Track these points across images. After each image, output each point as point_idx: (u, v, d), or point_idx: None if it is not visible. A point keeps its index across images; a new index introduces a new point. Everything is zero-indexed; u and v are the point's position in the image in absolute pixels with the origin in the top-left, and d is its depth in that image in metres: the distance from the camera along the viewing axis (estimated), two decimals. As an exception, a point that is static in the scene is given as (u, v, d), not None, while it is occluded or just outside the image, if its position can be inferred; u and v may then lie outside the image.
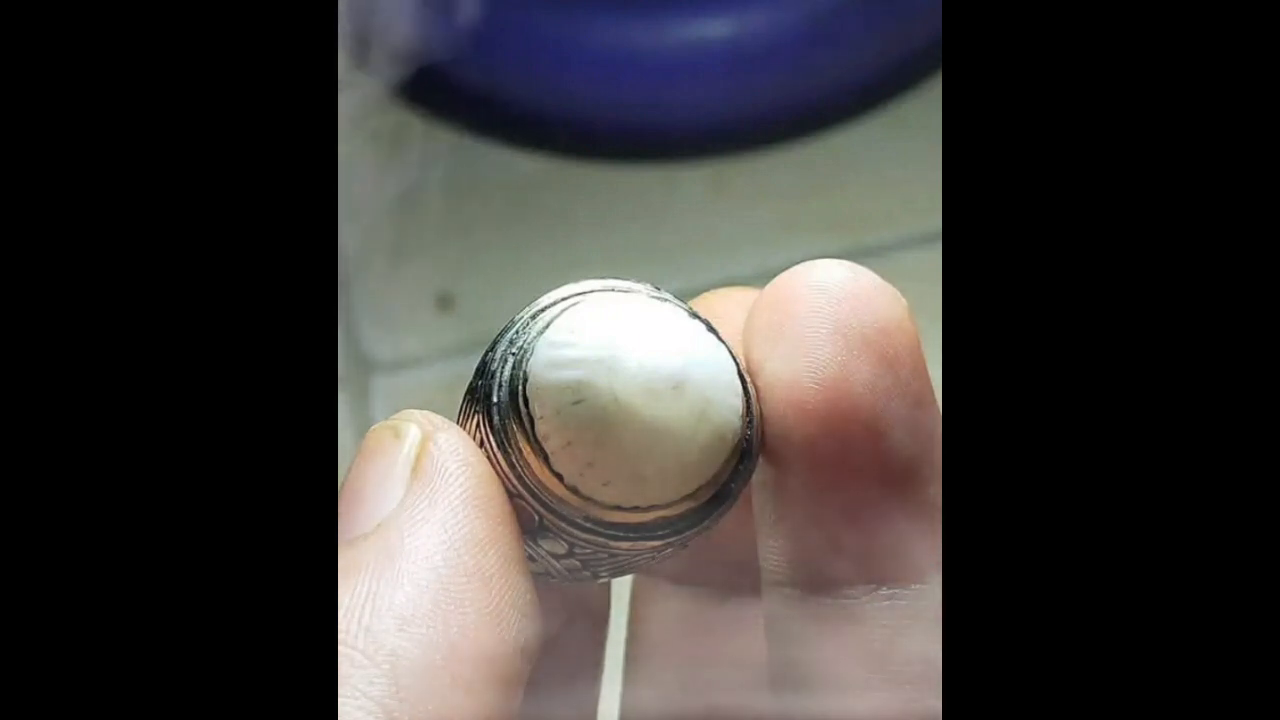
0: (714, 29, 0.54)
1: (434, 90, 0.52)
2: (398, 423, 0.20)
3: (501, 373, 0.20)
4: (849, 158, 0.55)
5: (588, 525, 0.19)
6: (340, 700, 0.17)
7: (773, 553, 0.20)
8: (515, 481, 0.19)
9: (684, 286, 0.24)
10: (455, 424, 0.20)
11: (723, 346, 0.20)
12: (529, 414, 0.19)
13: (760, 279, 0.20)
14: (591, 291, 0.20)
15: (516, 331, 0.20)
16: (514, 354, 0.20)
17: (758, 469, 0.20)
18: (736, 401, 0.19)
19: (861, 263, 0.20)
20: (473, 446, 0.19)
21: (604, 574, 0.21)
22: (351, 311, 0.52)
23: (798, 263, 0.20)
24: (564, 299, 0.20)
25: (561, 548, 0.20)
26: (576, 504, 0.19)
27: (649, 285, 0.20)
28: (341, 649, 0.17)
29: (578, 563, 0.20)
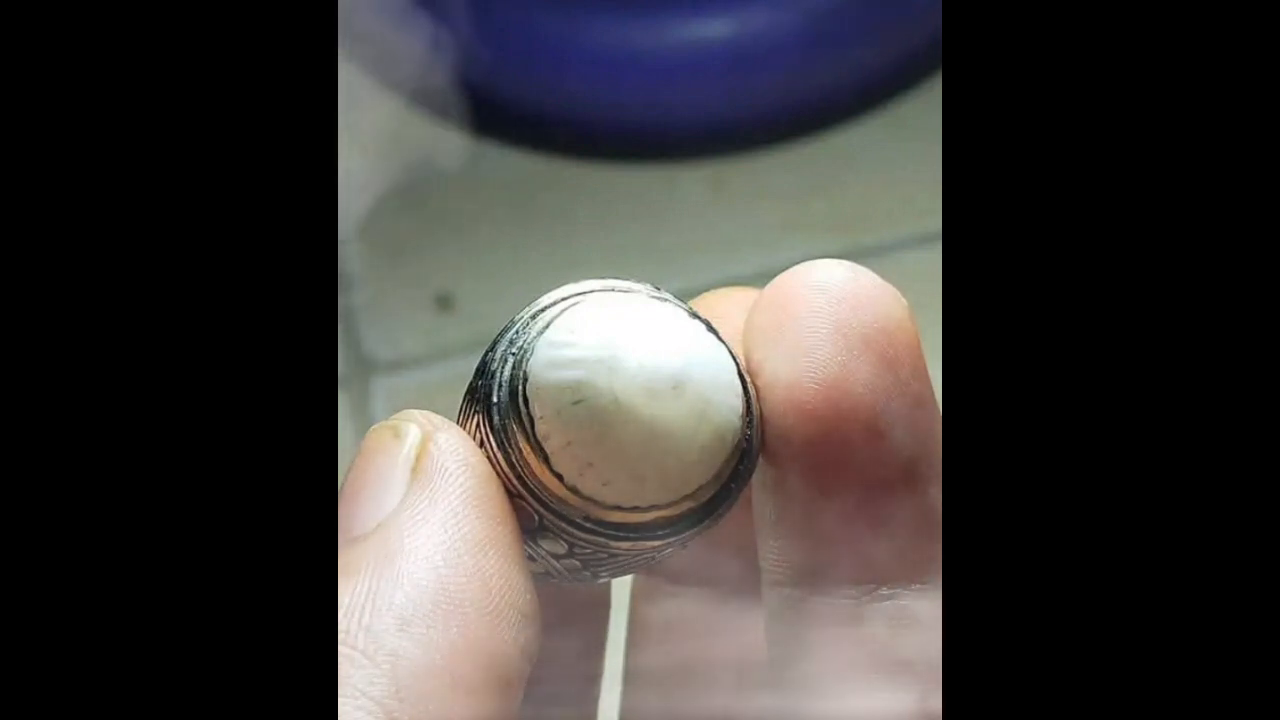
0: (714, 29, 0.54)
1: (435, 90, 0.52)
2: (398, 423, 0.20)
3: (501, 373, 0.20)
4: (849, 158, 0.55)
5: (588, 525, 0.19)
6: (340, 700, 0.17)
7: (773, 553, 0.20)
8: (515, 481, 0.19)
9: (684, 286, 0.24)
10: (455, 424, 0.20)
11: (723, 346, 0.20)
12: (529, 414, 0.19)
13: (760, 279, 0.20)
14: (591, 291, 0.20)
15: (516, 331, 0.20)
16: (514, 354, 0.20)
17: (758, 469, 0.20)
18: (736, 401, 0.19)
19: (861, 263, 0.20)
20: (473, 446, 0.19)
21: (604, 574, 0.21)
22: (351, 311, 0.52)
23: (798, 263, 0.20)
24: (564, 299, 0.20)
25: (561, 548, 0.20)
26: (576, 504, 0.19)
27: (649, 285, 0.20)
28: (341, 649, 0.17)
29: (578, 563, 0.20)
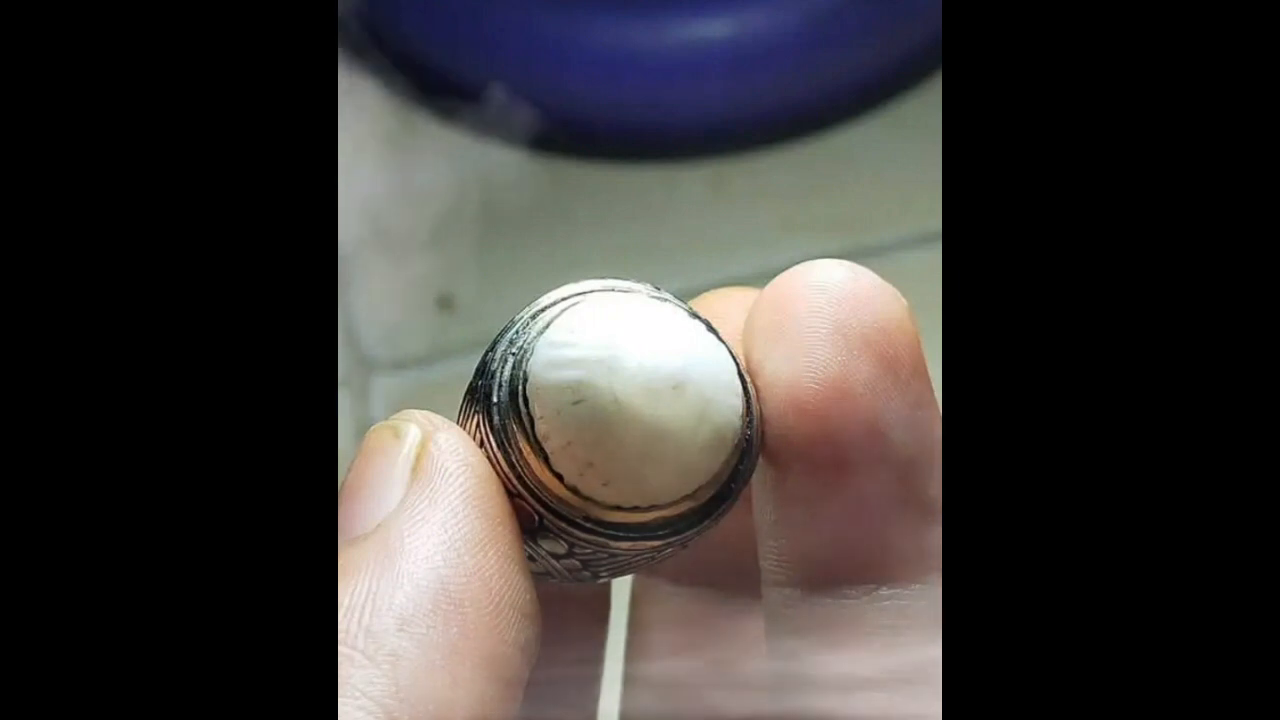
0: (714, 29, 0.54)
1: (434, 90, 0.52)
2: (398, 423, 0.20)
3: (501, 373, 0.20)
4: (849, 158, 0.55)
5: (588, 525, 0.19)
6: (340, 700, 0.17)
7: (773, 553, 0.20)
8: (515, 481, 0.19)
9: (684, 286, 0.24)
10: (455, 424, 0.20)
11: (723, 346, 0.20)
12: (529, 414, 0.19)
13: (760, 279, 0.20)
14: (591, 291, 0.20)
15: (516, 331, 0.20)
16: (514, 354, 0.20)
17: (758, 469, 0.20)
18: (736, 401, 0.19)
19: (861, 263, 0.20)
20: (473, 446, 0.19)
21: (604, 574, 0.21)
22: (351, 311, 0.52)
23: (798, 263, 0.20)
24: (564, 299, 0.20)
25: (561, 548, 0.20)
26: (576, 504, 0.19)
27: (649, 285, 0.20)
28: (341, 649, 0.17)
29: (578, 563, 0.20)
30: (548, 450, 0.19)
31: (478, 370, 0.20)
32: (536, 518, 0.19)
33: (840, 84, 0.55)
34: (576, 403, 0.19)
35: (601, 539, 0.19)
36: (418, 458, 0.19)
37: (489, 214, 0.53)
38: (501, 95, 0.52)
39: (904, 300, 0.20)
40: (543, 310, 0.20)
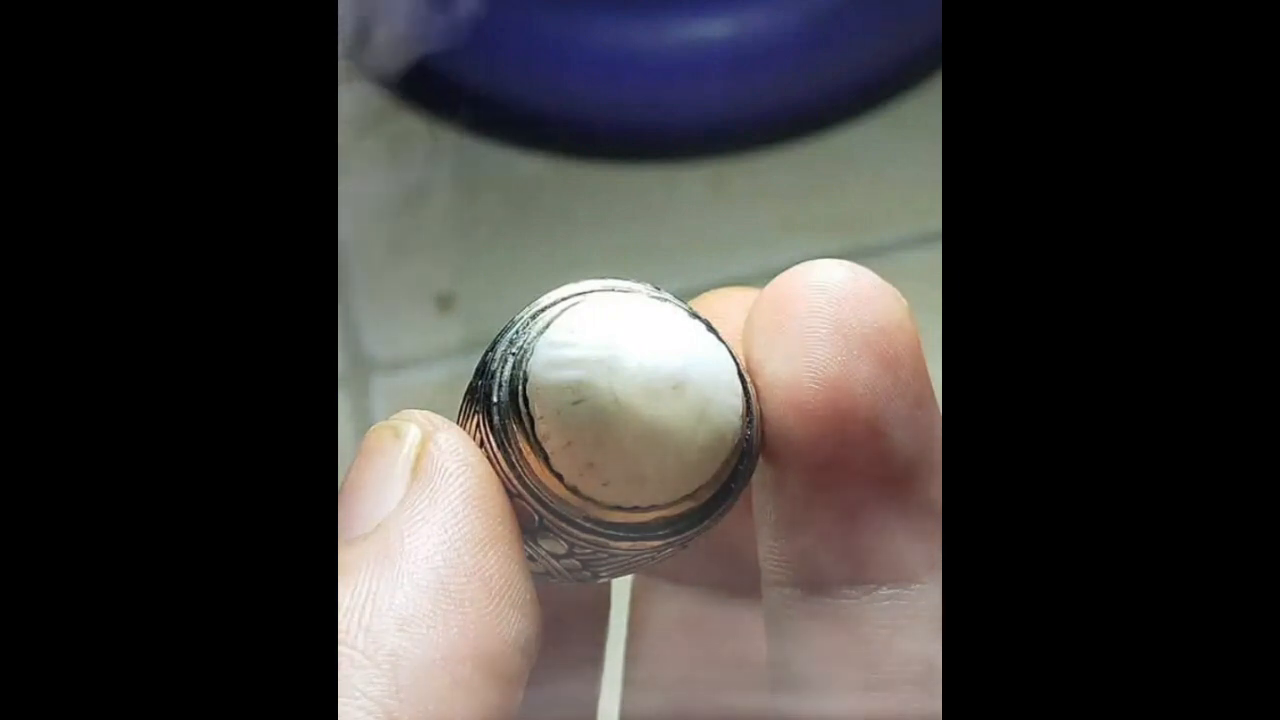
0: (714, 29, 0.54)
1: (434, 90, 0.52)
2: (398, 423, 0.20)
3: (501, 373, 0.20)
4: (849, 158, 0.55)
5: (588, 525, 0.19)
6: (340, 700, 0.17)
7: (773, 553, 0.20)
8: (515, 481, 0.19)
9: (684, 286, 0.24)
10: (455, 424, 0.20)
11: (723, 346, 0.20)
12: (529, 414, 0.19)
13: (760, 279, 0.20)
14: (591, 291, 0.20)
15: (516, 331, 0.20)
16: (514, 354, 0.20)
17: (758, 469, 0.20)
18: (736, 401, 0.19)
19: (861, 263, 0.20)
20: (473, 446, 0.19)
21: (604, 574, 0.21)
22: (351, 311, 0.52)
23: (798, 263, 0.20)
24: (564, 299, 0.20)
25: (561, 548, 0.20)
26: (576, 504, 0.19)
27: (649, 285, 0.20)
28: (341, 649, 0.17)
29: (578, 563, 0.20)
30: (548, 450, 0.19)
31: (478, 370, 0.20)
32: (536, 518, 0.19)
33: (840, 84, 0.55)
34: (576, 403, 0.19)
35: (601, 539, 0.19)
36: (418, 458, 0.19)
37: (489, 214, 0.53)
38: (499, 94, 0.52)
39: (904, 300, 0.20)
40: (543, 310, 0.20)
